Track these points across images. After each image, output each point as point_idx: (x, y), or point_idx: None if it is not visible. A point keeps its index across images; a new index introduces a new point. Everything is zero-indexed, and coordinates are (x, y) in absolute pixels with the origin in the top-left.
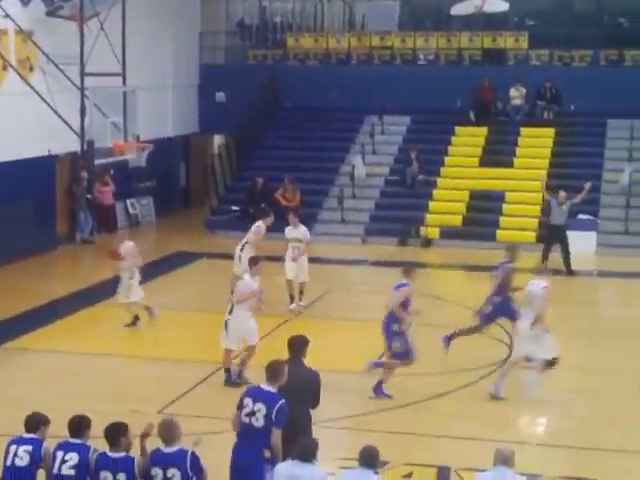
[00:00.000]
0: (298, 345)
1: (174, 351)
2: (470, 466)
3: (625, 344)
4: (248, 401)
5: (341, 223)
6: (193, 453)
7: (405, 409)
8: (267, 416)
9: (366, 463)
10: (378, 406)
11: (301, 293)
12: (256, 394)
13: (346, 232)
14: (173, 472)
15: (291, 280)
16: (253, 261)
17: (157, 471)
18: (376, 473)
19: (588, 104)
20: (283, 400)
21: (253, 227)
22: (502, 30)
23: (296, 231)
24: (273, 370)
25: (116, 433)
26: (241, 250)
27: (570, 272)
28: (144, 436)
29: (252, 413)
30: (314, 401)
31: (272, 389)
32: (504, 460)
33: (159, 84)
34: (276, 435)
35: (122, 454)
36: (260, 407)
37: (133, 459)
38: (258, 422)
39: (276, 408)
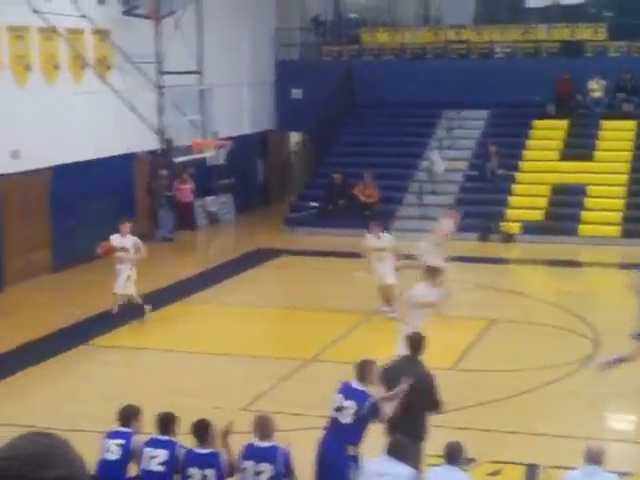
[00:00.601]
0: (416, 342)
1: (256, 348)
2: (559, 464)
3: None
4: (339, 397)
5: (421, 219)
6: (287, 451)
7: (491, 405)
8: (357, 413)
9: (450, 459)
10: (464, 403)
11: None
12: (347, 391)
13: (426, 228)
14: (265, 467)
15: (391, 284)
16: (434, 272)
17: (249, 464)
18: (463, 470)
19: None
20: (374, 398)
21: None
22: (579, 22)
23: (379, 241)
24: (362, 369)
25: (203, 430)
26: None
27: None
28: (225, 434)
29: (341, 409)
30: (431, 403)
31: (362, 387)
32: (594, 458)
33: (235, 81)
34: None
35: (209, 450)
36: (350, 404)
37: (220, 455)
38: (345, 419)
39: (367, 405)
